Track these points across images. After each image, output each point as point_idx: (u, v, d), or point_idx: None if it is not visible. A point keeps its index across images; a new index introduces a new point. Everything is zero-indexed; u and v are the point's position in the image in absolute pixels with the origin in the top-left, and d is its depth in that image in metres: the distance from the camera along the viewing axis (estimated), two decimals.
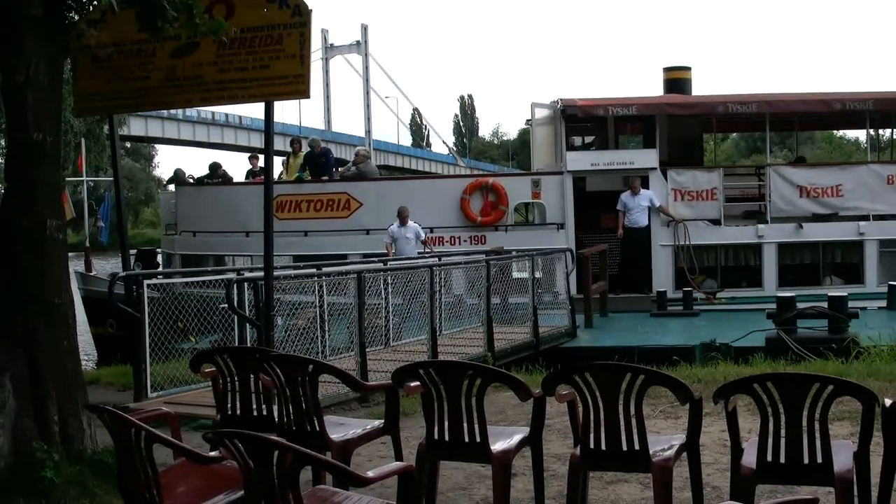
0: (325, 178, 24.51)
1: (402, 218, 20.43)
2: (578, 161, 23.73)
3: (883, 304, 21.21)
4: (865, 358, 13.59)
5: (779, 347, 15.39)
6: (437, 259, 17.60)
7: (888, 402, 5.56)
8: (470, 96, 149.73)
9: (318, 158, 24.65)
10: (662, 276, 22.73)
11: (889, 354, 13.57)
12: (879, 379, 10.89)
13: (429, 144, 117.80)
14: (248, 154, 28.76)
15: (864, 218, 23.13)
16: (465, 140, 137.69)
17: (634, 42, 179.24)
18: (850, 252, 23.43)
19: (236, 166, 55.52)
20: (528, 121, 25.46)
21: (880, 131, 29.02)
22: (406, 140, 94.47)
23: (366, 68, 58.22)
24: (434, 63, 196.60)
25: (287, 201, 23.68)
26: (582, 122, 25.39)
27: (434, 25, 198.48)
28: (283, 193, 23.32)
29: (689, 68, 27.64)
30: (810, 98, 24.69)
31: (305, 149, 25.74)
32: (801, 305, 16.79)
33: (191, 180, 26.59)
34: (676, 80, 27.05)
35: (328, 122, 68.86)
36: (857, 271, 23.13)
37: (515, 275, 17.99)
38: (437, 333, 14.22)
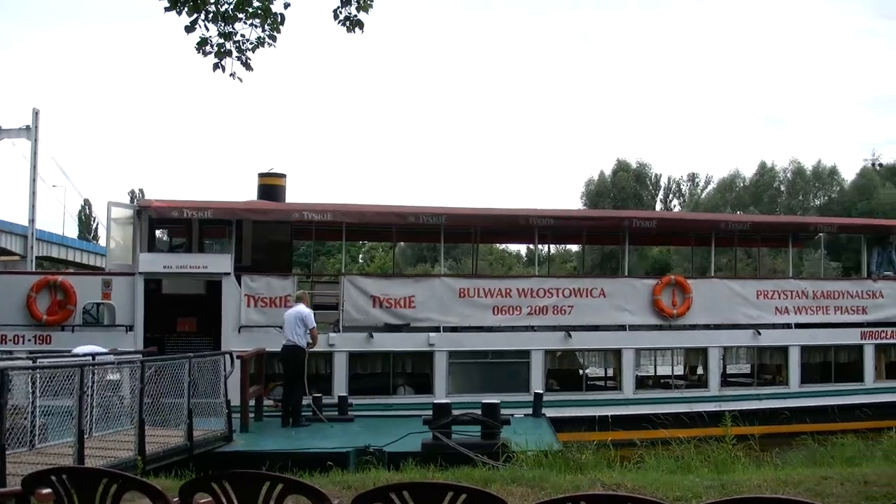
0: None
1: None
2: (151, 263, 23.38)
3: (529, 411, 22.14)
4: (513, 463, 14.12)
5: (433, 452, 15.74)
6: (90, 358, 16.89)
7: None
8: (141, 191, 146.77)
9: None
10: None
11: (534, 460, 14.15)
12: (523, 485, 11.27)
13: (96, 237, 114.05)
14: None
15: (435, 329, 24.18)
16: None
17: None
18: (420, 362, 24.42)
19: None
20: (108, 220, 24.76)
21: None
22: (73, 231, 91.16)
23: (34, 154, 55.99)
24: (110, 155, 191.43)
25: None
26: (166, 223, 25.50)
27: (109, 118, 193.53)
28: None
29: (283, 175, 28.15)
30: (384, 210, 25.98)
31: None
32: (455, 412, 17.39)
33: None
34: (269, 186, 27.55)
35: None
36: (428, 381, 24.07)
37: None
38: (86, 436, 13.59)
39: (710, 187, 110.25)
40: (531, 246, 32.20)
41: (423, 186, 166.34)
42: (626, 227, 26.92)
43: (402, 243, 75.20)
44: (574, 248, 73.42)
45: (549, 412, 22.37)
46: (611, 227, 29.00)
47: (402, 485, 5.67)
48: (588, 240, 34.08)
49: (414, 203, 33.45)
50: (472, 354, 24.48)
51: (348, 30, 11.58)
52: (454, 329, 24.60)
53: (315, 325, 20.88)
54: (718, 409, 23.07)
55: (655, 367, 29.00)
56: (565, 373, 27.07)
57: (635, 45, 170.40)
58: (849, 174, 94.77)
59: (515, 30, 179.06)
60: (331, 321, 23.93)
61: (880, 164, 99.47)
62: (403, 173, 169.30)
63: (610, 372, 27.46)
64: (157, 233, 27.45)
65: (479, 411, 17.55)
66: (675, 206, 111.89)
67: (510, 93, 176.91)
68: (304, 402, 20.97)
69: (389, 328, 24.07)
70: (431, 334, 24.06)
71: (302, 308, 20.77)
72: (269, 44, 11.53)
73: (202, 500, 5.92)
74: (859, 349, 27.71)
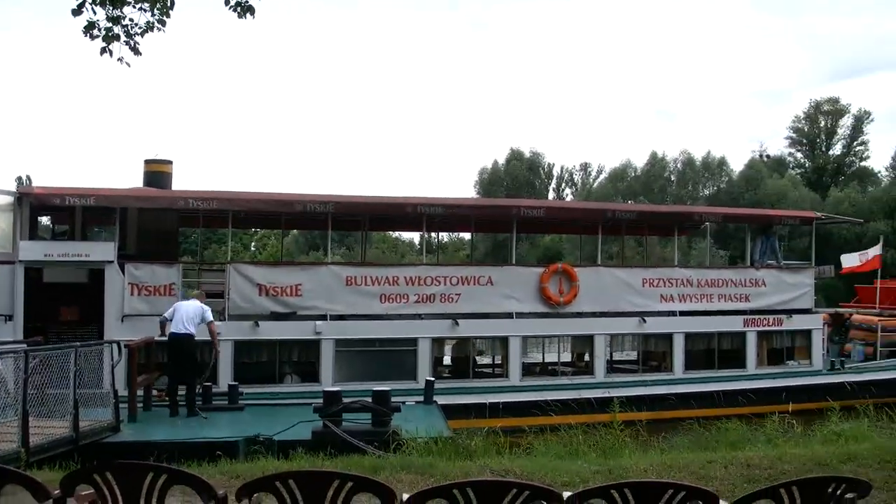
0: None
1: None
2: (32, 250, 22.64)
3: (420, 398, 22.26)
4: (404, 450, 14.20)
5: (323, 440, 15.75)
6: None
7: (406, 496, 5.76)
8: (28, 177, 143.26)
9: None
10: None
11: (424, 448, 14.24)
12: (412, 472, 11.30)
13: None
14: None
15: (322, 317, 24.21)
16: None
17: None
18: (307, 351, 24.35)
19: None
20: None
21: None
22: None
23: None
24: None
25: None
26: (49, 211, 24.97)
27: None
28: None
29: (169, 162, 27.70)
30: (269, 198, 25.66)
31: None
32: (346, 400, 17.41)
33: None
34: (155, 172, 27.11)
35: None
36: (315, 369, 24.09)
37: None
38: None
39: (602, 177, 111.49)
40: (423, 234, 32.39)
41: (317, 174, 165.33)
42: (514, 215, 27.16)
43: (294, 231, 74.58)
44: (467, 236, 73.72)
45: (440, 399, 22.46)
46: (500, 216, 29.21)
47: (288, 473, 5.68)
48: (477, 228, 34.32)
49: (306, 190, 33.23)
50: (359, 342, 24.49)
51: (239, 15, 11.46)
52: (341, 317, 24.55)
53: (213, 319, 20.72)
54: (606, 395, 23.45)
55: (543, 354, 29.32)
56: (453, 360, 27.27)
57: (530, 36, 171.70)
58: (737, 165, 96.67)
59: (409, 18, 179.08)
60: (217, 309, 23.63)
61: (767, 156, 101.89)
62: (296, 161, 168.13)
63: (498, 359, 27.72)
64: (44, 220, 26.81)
65: (370, 399, 17.60)
66: (567, 195, 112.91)
67: (404, 82, 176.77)
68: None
69: (276, 316, 23.93)
70: (318, 322, 24.00)
71: (200, 303, 20.64)
72: (158, 28, 11.35)
73: (84, 492, 5.83)
74: (742, 336, 28.44)
